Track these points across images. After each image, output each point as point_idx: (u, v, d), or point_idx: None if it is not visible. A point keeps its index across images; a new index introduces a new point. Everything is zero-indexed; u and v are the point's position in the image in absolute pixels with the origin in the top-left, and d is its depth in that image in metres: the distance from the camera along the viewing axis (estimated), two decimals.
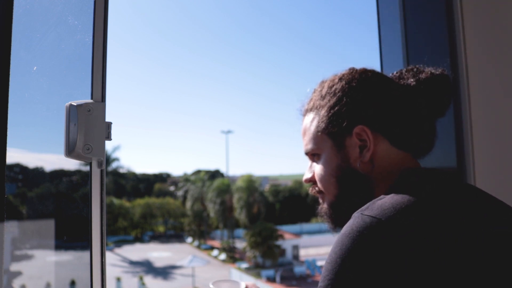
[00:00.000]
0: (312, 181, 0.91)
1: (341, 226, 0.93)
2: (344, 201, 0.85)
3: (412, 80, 0.86)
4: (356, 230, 0.63)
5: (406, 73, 0.89)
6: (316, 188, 0.90)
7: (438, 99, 0.85)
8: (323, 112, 0.85)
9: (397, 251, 0.59)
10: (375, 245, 0.60)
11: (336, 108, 0.83)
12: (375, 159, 0.81)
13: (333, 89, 0.85)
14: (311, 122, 0.88)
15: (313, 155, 0.89)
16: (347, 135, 0.82)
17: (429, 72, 0.87)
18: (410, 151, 0.83)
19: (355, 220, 0.65)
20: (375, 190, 0.82)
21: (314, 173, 0.90)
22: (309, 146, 0.88)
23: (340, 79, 0.86)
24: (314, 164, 0.89)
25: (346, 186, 0.84)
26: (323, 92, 0.87)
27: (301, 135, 0.93)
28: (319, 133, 0.86)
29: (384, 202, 0.67)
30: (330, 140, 0.84)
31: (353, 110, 0.82)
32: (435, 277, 0.58)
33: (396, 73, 0.90)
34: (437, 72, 0.87)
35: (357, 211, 0.68)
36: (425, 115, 0.84)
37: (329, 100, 0.85)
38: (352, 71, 0.87)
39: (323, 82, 0.90)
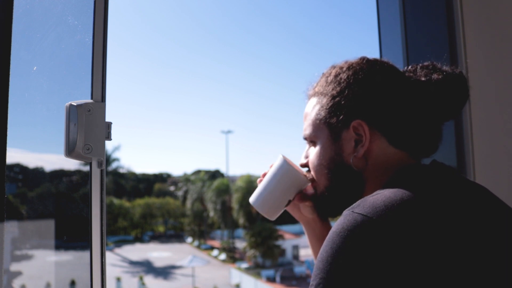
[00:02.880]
0: (307, 166, 0.91)
1: (327, 216, 0.93)
2: (334, 194, 0.84)
3: (424, 78, 0.83)
4: (347, 229, 0.62)
5: (420, 70, 0.85)
6: (310, 176, 0.90)
7: (449, 102, 0.82)
8: (325, 100, 0.84)
9: (388, 250, 0.59)
10: (366, 244, 0.60)
11: (337, 99, 0.82)
12: (369, 156, 0.80)
13: (338, 77, 0.83)
14: (313, 107, 0.87)
15: (310, 141, 0.88)
16: (345, 128, 0.81)
17: (442, 73, 0.83)
18: (408, 151, 0.81)
19: (346, 218, 0.64)
20: (366, 187, 0.81)
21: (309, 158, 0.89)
22: (307, 132, 0.87)
23: (348, 68, 0.84)
24: (311, 149, 0.88)
25: (337, 179, 0.83)
26: (329, 79, 0.85)
27: (302, 118, 0.91)
28: (318, 121, 0.85)
29: (376, 199, 0.65)
30: (327, 130, 0.83)
31: (353, 103, 0.80)
32: (426, 276, 0.58)
33: (411, 67, 0.87)
34: (453, 74, 0.83)
35: (348, 208, 0.66)
36: (430, 117, 0.81)
37: (332, 89, 0.83)
38: (362, 61, 0.85)
39: (332, 67, 0.88)
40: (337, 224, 0.65)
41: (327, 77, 0.87)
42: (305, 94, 0.93)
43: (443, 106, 0.81)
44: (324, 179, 0.85)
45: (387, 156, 0.80)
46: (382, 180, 0.78)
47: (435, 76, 0.82)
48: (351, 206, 0.67)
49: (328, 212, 0.91)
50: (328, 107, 0.83)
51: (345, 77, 0.83)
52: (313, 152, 0.87)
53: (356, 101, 0.80)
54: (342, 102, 0.81)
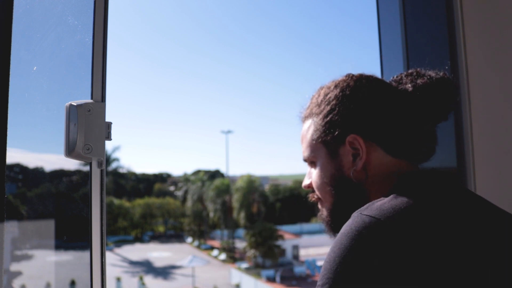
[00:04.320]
0: (310, 187, 0.92)
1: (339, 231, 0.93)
2: (341, 209, 0.85)
3: (409, 85, 0.85)
4: (355, 230, 0.63)
5: (405, 78, 0.87)
6: (315, 196, 0.91)
7: (437, 105, 0.83)
8: (318, 120, 0.86)
9: (395, 251, 0.59)
10: (373, 245, 0.60)
11: (330, 116, 0.84)
12: (368, 167, 0.81)
13: (327, 97, 0.86)
14: (307, 129, 0.89)
15: (310, 162, 0.90)
16: (341, 144, 0.83)
17: (427, 77, 0.85)
18: (406, 158, 0.82)
19: (354, 219, 0.65)
20: (369, 198, 0.81)
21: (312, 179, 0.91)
22: (306, 154, 0.89)
23: (336, 86, 0.86)
24: (312, 170, 0.90)
25: (340, 194, 0.84)
26: (319, 99, 0.88)
27: (300, 141, 0.93)
28: (314, 141, 0.86)
29: (383, 203, 0.67)
30: (324, 148, 0.85)
31: (345, 119, 0.82)
32: (431, 278, 0.58)
33: (397, 77, 0.89)
34: (437, 77, 0.85)
35: (356, 211, 0.68)
36: (422, 122, 0.83)
37: (323, 108, 0.86)
38: (348, 78, 0.87)
39: (320, 88, 0.91)
40: (345, 226, 0.66)
41: (317, 98, 0.89)
42: (298, 118, 0.96)
43: (431, 109, 0.83)
44: (328, 196, 0.86)
45: (386, 165, 0.81)
46: (385, 189, 0.78)
47: (419, 81, 0.84)
48: (359, 209, 0.68)
49: (339, 227, 0.91)
50: (322, 126, 0.85)
51: (334, 95, 0.85)
52: (315, 172, 0.88)
53: (348, 116, 0.82)
54: (335, 119, 0.83)
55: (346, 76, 0.88)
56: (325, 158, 0.85)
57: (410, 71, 0.88)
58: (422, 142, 0.83)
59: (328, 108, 0.85)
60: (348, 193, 0.84)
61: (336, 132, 0.82)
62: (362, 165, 0.81)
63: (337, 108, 0.83)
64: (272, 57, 79.83)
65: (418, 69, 0.88)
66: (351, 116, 0.82)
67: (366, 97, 0.82)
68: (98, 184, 0.89)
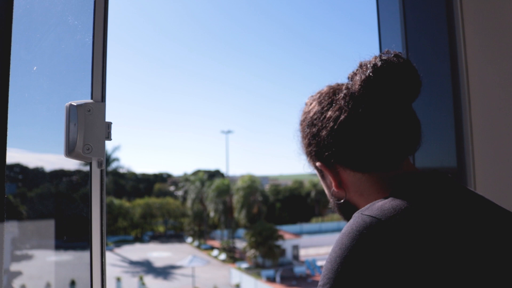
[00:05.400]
0: None
1: None
2: (343, 216, 0.89)
3: (356, 86, 0.77)
4: (356, 230, 0.63)
5: (356, 74, 0.79)
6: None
7: (393, 97, 0.75)
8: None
9: (395, 251, 0.59)
10: (374, 245, 0.61)
11: (301, 146, 0.89)
12: (345, 186, 0.82)
13: (299, 128, 0.89)
14: None
15: None
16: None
17: (369, 69, 0.75)
18: (377, 170, 0.78)
19: (355, 219, 0.66)
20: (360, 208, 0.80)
21: None
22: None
23: (301, 115, 0.89)
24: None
25: (337, 207, 0.88)
26: (299, 127, 0.91)
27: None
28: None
29: (384, 203, 0.67)
30: (316, 169, 0.89)
31: (308, 149, 0.85)
32: (432, 278, 0.58)
33: (353, 73, 0.81)
34: (380, 64, 0.75)
35: (357, 211, 0.69)
36: (382, 127, 0.76)
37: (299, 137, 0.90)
38: (308, 102, 0.88)
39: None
40: (346, 226, 0.66)
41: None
42: None
43: (389, 104, 0.76)
44: (333, 206, 0.90)
45: (361, 181, 0.80)
46: (378, 197, 0.77)
47: (363, 76, 0.76)
48: (360, 209, 0.68)
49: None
50: (304, 152, 0.90)
51: (299, 126, 0.89)
52: None
53: (308, 146, 0.85)
54: (303, 148, 0.88)
55: (309, 98, 0.89)
56: (319, 177, 0.90)
57: (360, 62, 0.80)
58: (392, 146, 0.76)
59: (299, 138, 0.89)
60: (341, 206, 0.86)
61: (309, 159, 0.87)
62: (337, 185, 0.82)
63: (301, 140, 0.88)
64: (272, 57, 79.89)
65: (363, 63, 0.79)
66: (311, 145, 0.84)
67: (316, 125, 0.82)
68: (98, 184, 0.89)
